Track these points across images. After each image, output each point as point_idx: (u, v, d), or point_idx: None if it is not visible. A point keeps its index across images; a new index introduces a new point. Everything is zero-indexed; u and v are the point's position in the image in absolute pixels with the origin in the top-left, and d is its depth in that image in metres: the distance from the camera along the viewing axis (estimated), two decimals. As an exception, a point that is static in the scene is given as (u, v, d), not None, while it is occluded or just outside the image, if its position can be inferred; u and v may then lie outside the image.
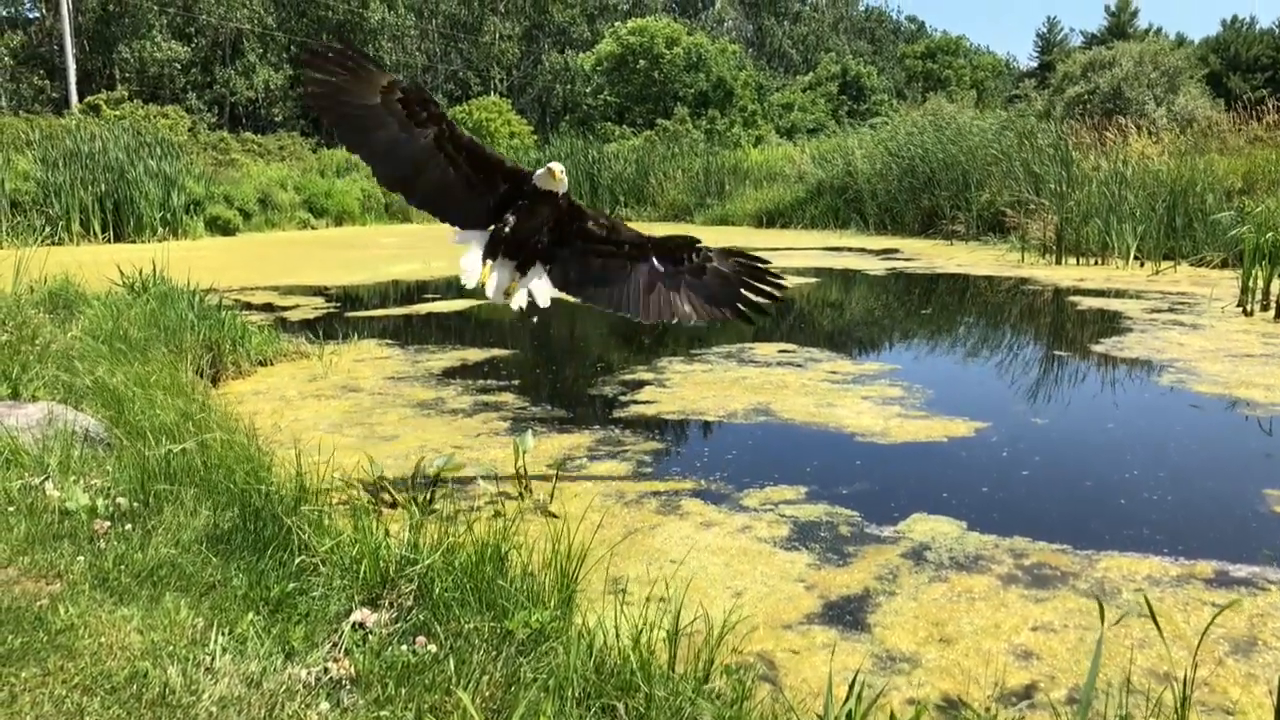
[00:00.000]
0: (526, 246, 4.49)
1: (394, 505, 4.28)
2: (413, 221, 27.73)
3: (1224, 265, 13.45)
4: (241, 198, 24.91)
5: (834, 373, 7.40)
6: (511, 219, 4.39)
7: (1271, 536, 4.10)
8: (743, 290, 4.65)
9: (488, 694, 2.45)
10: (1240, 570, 3.74)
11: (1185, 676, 2.55)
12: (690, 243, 4.57)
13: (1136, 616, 3.32)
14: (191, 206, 23.12)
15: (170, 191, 22.31)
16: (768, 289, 4.66)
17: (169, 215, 22.15)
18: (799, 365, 7.67)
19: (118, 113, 30.53)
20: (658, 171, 29.18)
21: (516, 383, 7.27)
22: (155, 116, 31.80)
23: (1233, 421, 6.07)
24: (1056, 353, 8.81)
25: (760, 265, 4.61)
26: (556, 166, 4.25)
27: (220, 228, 23.65)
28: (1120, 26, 52.44)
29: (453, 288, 12.95)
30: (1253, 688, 2.91)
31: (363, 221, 28.01)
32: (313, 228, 26.59)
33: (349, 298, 12.52)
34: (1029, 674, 3.00)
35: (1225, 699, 2.86)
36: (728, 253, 4.59)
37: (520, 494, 4.59)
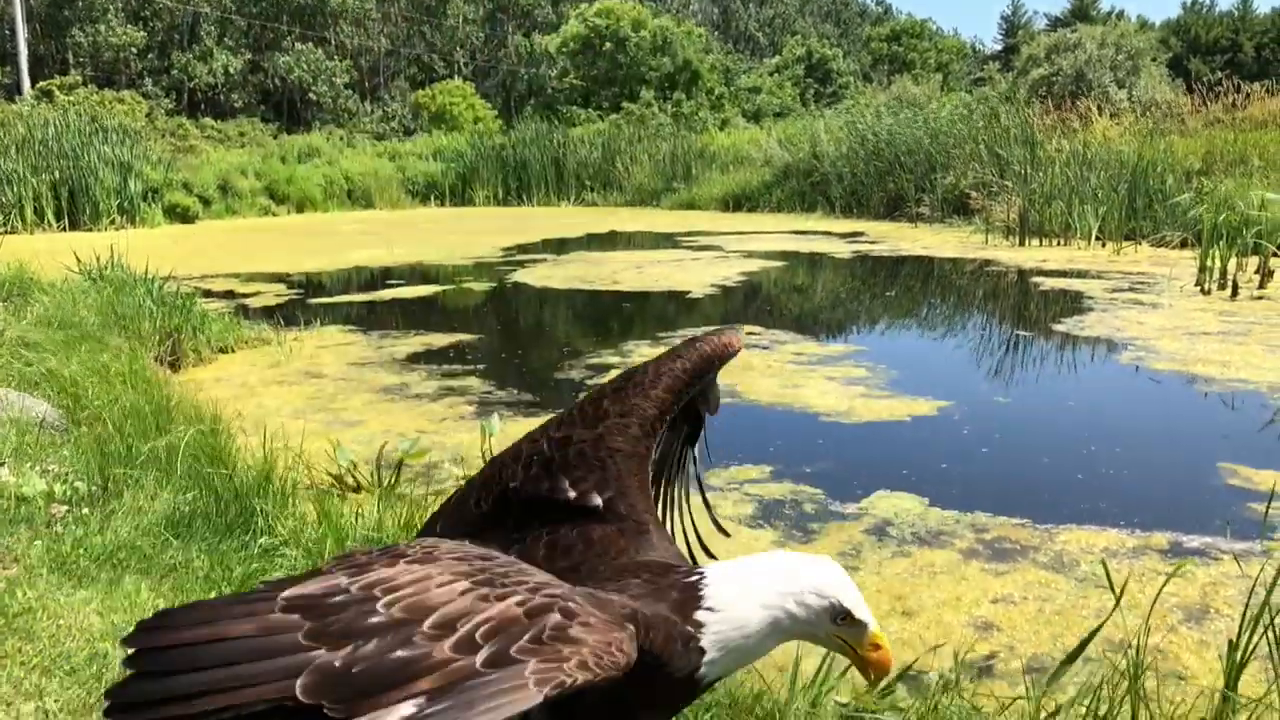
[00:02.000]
0: None
1: (358, 489, 4.26)
2: (375, 208, 27.49)
3: (1183, 245, 13.61)
4: (201, 184, 24.52)
5: (799, 354, 7.43)
6: None
7: (1224, 508, 4.19)
8: None
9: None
10: (1194, 541, 3.82)
11: (1138, 644, 2.60)
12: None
13: (1094, 587, 3.38)
14: (149, 194, 22.69)
15: (127, 178, 21.86)
16: None
17: (126, 203, 21.71)
18: (765, 347, 7.70)
19: (71, 98, 29.92)
20: (624, 155, 29.05)
21: (482, 367, 7.25)
22: (111, 102, 31.24)
23: (1189, 397, 6.18)
24: (1019, 333, 8.90)
25: None
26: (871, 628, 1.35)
27: (179, 215, 23.26)
28: (1083, 8, 52.90)
29: (416, 273, 12.86)
30: (1204, 654, 2.97)
31: (325, 208, 27.67)
32: (274, 214, 26.23)
33: (311, 284, 12.39)
34: (989, 645, 3.05)
35: (1178, 665, 2.92)
36: None
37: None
